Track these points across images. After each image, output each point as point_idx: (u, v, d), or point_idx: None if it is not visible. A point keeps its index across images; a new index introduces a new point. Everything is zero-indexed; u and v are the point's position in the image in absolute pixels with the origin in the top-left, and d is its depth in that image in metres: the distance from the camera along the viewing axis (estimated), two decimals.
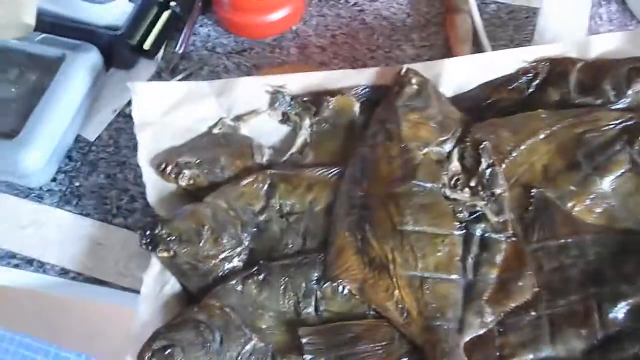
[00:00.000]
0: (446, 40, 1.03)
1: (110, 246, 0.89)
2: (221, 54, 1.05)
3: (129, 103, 0.96)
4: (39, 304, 0.92)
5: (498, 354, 0.73)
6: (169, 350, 0.72)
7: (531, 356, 0.73)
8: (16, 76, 0.97)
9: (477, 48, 1.00)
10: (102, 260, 0.88)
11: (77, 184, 0.94)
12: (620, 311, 0.73)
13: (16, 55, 0.98)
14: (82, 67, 0.96)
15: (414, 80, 0.86)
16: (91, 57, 0.98)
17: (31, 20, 0.92)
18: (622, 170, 0.80)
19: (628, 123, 0.83)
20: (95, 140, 0.98)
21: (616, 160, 0.81)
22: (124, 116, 0.99)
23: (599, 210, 0.79)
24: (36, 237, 0.90)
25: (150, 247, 0.79)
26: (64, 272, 0.88)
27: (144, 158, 0.86)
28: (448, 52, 1.01)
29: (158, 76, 1.03)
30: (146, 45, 1.02)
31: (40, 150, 0.91)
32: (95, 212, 0.91)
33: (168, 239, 0.78)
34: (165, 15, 1.05)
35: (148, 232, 0.79)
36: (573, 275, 0.76)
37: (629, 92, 0.86)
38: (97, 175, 0.95)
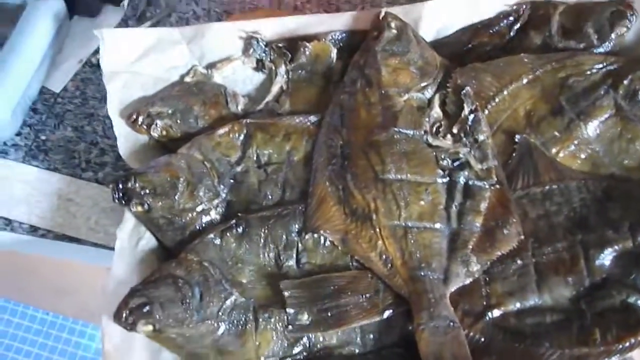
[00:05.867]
0: None
1: (80, 202, 0.86)
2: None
3: (95, 52, 0.92)
4: (7, 262, 0.89)
5: (484, 303, 0.72)
6: (147, 308, 0.69)
7: (518, 305, 0.72)
8: None
9: None
10: (73, 217, 0.85)
11: (43, 137, 0.91)
12: (606, 258, 0.72)
13: None
14: (44, 15, 0.93)
15: (393, 25, 0.83)
16: (54, 5, 0.94)
17: None
18: (606, 116, 0.79)
19: (612, 67, 0.81)
20: (60, 91, 0.95)
21: (600, 105, 0.79)
22: (91, 66, 0.96)
23: (583, 156, 0.78)
24: (2, 194, 0.87)
25: (123, 202, 0.76)
26: (32, 230, 0.85)
27: (114, 109, 0.83)
28: None
29: (124, 24, 0.99)
30: None
31: (3, 102, 0.87)
32: (64, 167, 0.89)
33: (142, 192, 0.76)
34: None
35: (121, 186, 0.76)
36: (558, 223, 0.75)
37: (612, 35, 0.84)
38: (64, 128, 0.92)
